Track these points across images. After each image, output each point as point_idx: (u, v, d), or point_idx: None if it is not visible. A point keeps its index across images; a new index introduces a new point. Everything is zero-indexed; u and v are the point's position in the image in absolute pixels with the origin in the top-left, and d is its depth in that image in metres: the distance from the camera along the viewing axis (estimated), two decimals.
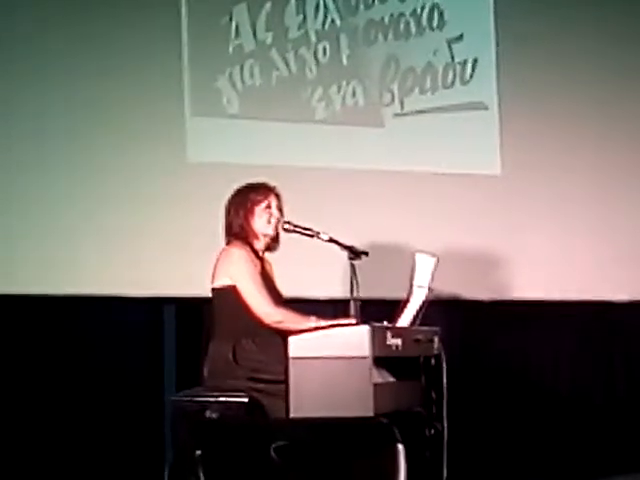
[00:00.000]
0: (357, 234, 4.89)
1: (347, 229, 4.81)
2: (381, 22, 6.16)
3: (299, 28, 6.00)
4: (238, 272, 4.40)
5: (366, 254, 4.45)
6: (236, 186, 4.60)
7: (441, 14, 6.29)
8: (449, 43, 6.31)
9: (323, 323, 4.22)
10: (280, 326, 4.33)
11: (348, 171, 6.00)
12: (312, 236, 4.52)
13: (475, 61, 6.36)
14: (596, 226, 6.49)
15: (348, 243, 4.47)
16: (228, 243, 4.54)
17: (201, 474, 4.26)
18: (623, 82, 6.65)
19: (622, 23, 6.69)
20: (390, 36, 6.19)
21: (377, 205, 6.00)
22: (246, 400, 4.24)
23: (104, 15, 5.59)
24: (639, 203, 6.61)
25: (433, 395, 4.45)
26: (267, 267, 4.60)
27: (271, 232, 4.55)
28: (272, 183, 4.61)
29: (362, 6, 6.13)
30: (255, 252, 4.52)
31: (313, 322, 4.26)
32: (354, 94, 6.10)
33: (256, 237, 4.54)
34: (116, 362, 5.56)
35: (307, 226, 4.53)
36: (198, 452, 4.26)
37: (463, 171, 6.26)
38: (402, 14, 6.21)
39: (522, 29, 6.45)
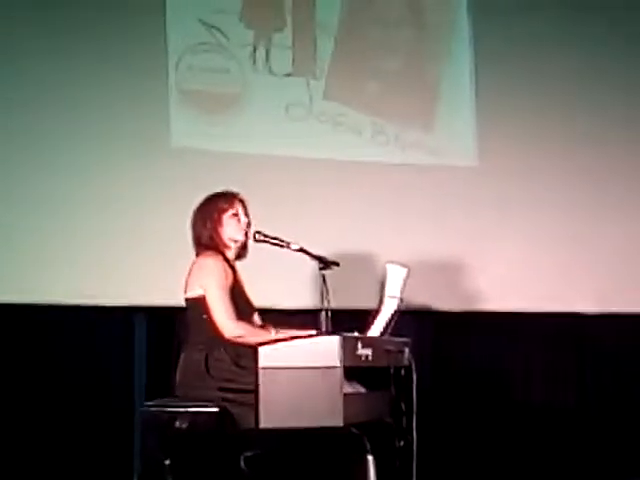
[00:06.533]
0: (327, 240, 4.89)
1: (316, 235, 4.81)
2: None
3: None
4: (208, 282, 4.38)
5: (337, 264, 4.45)
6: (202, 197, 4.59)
7: None
8: None
9: (283, 335, 4.23)
10: (240, 340, 4.31)
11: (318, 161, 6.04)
12: (282, 246, 4.51)
13: None
14: (566, 238, 6.51)
15: (318, 253, 4.47)
16: (198, 254, 4.51)
17: None
18: (600, 84, 6.69)
19: (597, 23, 6.74)
20: None
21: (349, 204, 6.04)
22: (216, 410, 4.23)
23: None
24: (610, 215, 6.63)
25: (403, 406, 4.45)
26: (239, 276, 4.58)
27: (241, 238, 4.54)
28: (235, 190, 4.58)
29: None
30: (227, 261, 4.50)
31: (273, 335, 4.27)
32: None
33: (226, 246, 4.53)
34: (86, 371, 5.54)
35: (277, 236, 4.51)
36: (167, 462, 4.24)
37: (437, 176, 6.29)
38: None
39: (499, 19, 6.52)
